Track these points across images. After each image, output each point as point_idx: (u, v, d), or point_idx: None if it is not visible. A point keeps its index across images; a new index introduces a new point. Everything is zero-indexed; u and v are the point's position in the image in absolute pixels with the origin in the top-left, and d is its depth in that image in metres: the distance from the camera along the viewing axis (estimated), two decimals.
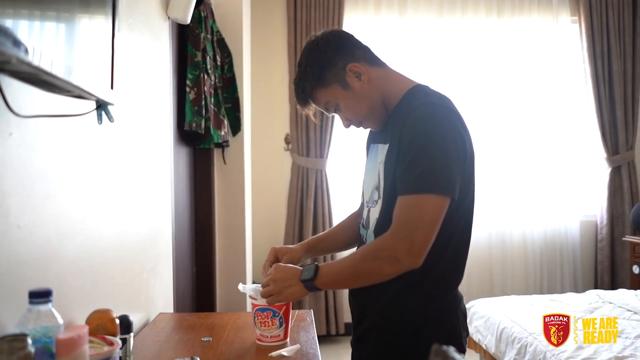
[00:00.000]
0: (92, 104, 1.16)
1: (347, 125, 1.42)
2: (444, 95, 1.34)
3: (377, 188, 1.36)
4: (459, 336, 1.35)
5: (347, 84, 1.33)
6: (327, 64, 1.33)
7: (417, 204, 1.19)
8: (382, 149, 1.36)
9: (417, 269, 1.25)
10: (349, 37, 1.39)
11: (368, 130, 1.53)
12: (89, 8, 1.08)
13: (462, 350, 1.34)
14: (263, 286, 1.37)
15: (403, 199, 1.21)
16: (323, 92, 1.36)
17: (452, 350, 0.81)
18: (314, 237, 1.65)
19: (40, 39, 0.86)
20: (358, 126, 1.42)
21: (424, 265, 1.25)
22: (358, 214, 1.57)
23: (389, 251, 1.19)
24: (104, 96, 1.09)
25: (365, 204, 1.45)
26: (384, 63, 1.41)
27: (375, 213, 1.36)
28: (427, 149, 1.21)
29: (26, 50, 0.78)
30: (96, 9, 1.09)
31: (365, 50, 1.39)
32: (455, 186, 1.22)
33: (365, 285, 1.35)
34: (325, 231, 1.68)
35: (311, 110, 1.44)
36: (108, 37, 1.12)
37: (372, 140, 1.51)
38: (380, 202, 1.34)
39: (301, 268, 1.31)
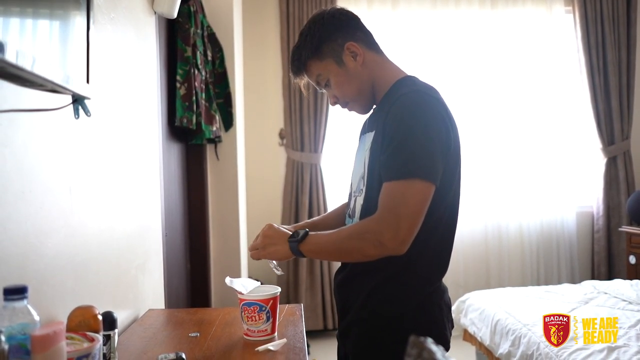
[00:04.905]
0: (68, 98, 1.15)
1: (333, 103, 1.44)
2: (431, 86, 1.34)
3: (363, 177, 1.37)
4: (443, 328, 1.34)
5: (342, 61, 1.36)
6: (327, 38, 1.36)
7: (403, 190, 1.19)
8: (369, 138, 1.37)
9: (400, 261, 1.25)
10: (354, 18, 1.41)
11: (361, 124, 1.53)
12: (63, 1, 1.06)
13: (446, 342, 1.33)
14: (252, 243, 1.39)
15: (388, 185, 1.21)
16: (317, 64, 1.38)
17: (429, 342, 0.80)
18: (307, 221, 1.65)
19: (7, 30, 0.85)
20: (344, 107, 1.44)
21: (407, 257, 1.24)
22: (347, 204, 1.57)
23: (374, 235, 1.19)
24: (79, 90, 1.08)
25: (352, 194, 1.45)
26: (382, 51, 1.43)
27: (360, 201, 1.37)
28: (411, 135, 1.21)
29: None
30: (70, 2, 1.08)
31: (367, 34, 1.41)
32: (438, 173, 1.22)
33: (348, 261, 1.37)
34: (318, 216, 1.69)
35: (302, 80, 1.45)
36: (83, 31, 1.10)
37: (362, 131, 1.52)
38: (364, 189, 1.35)
39: (292, 229, 1.34)
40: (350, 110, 1.45)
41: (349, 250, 1.25)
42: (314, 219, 1.66)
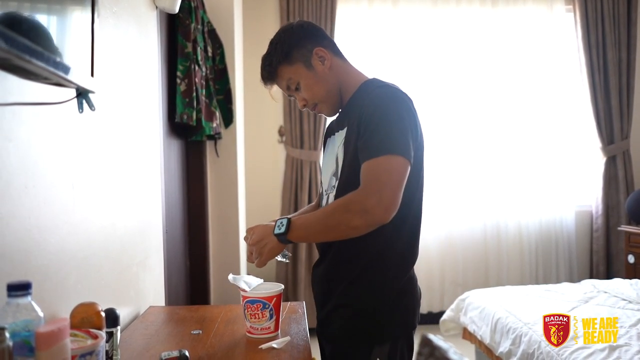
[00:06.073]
0: (72, 92, 1.13)
1: (302, 106, 1.51)
2: (395, 85, 1.45)
3: (335, 173, 1.44)
4: (413, 315, 1.44)
5: (311, 65, 1.45)
6: (296, 44, 1.45)
7: (383, 164, 1.26)
8: (340, 135, 1.46)
9: (378, 245, 1.36)
10: (320, 29, 1.53)
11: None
12: None
13: (414, 327, 1.44)
14: (247, 253, 1.43)
15: (368, 163, 1.28)
16: (288, 68, 1.46)
17: (438, 339, 0.80)
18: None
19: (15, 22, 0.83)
20: (312, 109, 1.51)
21: (384, 242, 1.35)
22: (316, 207, 1.66)
23: (358, 204, 1.24)
24: (84, 84, 1.06)
25: (324, 193, 1.52)
26: (346, 59, 1.53)
27: (333, 196, 1.43)
28: (385, 119, 1.30)
29: None
30: None
31: (332, 43, 1.52)
32: (411, 152, 1.30)
33: (336, 238, 1.39)
34: (296, 212, 1.73)
35: (272, 87, 1.53)
36: (87, 24, 1.09)
37: (328, 134, 1.59)
38: (337, 183, 1.42)
39: (274, 223, 1.37)
40: (318, 112, 1.52)
41: (335, 225, 1.29)
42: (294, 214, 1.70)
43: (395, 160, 1.26)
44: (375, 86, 1.40)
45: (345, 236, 1.33)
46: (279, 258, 1.47)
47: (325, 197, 1.50)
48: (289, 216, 1.39)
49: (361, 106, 1.36)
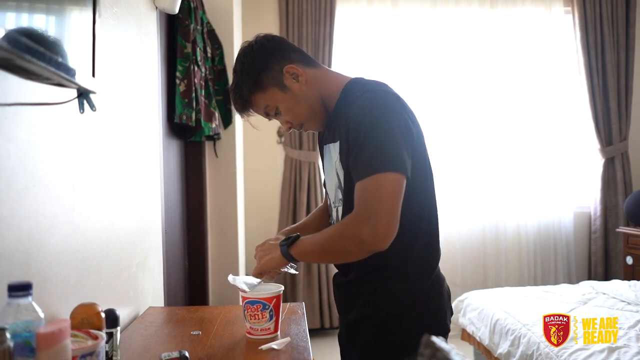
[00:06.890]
0: (73, 92, 1.13)
1: (287, 129, 1.42)
2: (381, 82, 1.35)
3: (339, 187, 1.38)
4: (444, 317, 1.38)
5: (285, 86, 1.34)
6: (263, 68, 1.34)
7: (374, 185, 1.18)
8: (335, 148, 1.38)
9: (397, 255, 1.28)
10: (282, 41, 1.41)
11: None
12: None
13: (447, 331, 1.37)
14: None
15: (360, 184, 1.21)
16: (262, 96, 1.35)
17: (440, 341, 0.80)
18: (289, 227, 1.64)
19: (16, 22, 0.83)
20: (299, 129, 1.42)
21: (402, 249, 1.28)
22: (326, 210, 1.60)
23: (354, 232, 1.18)
24: (85, 84, 1.06)
25: (332, 205, 1.45)
26: (319, 64, 1.42)
27: (342, 211, 1.39)
28: (372, 133, 1.21)
29: None
30: None
31: (300, 52, 1.40)
32: (406, 164, 1.21)
33: (336, 262, 1.38)
34: (300, 222, 1.68)
35: (250, 116, 1.43)
36: (89, 24, 1.09)
37: (323, 141, 1.50)
38: (344, 199, 1.37)
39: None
40: (306, 130, 1.43)
41: (333, 250, 1.26)
42: (295, 225, 1.65)
43: (385, 178, 1.17)
44: (360, 91, 1.30)
45: (343, 261, 1.31)
46: (288, 269, 1.45)
47: (334, 210, 1.44)
48: (300, 235, 1.35)
49: (347, 115, 1.28)
